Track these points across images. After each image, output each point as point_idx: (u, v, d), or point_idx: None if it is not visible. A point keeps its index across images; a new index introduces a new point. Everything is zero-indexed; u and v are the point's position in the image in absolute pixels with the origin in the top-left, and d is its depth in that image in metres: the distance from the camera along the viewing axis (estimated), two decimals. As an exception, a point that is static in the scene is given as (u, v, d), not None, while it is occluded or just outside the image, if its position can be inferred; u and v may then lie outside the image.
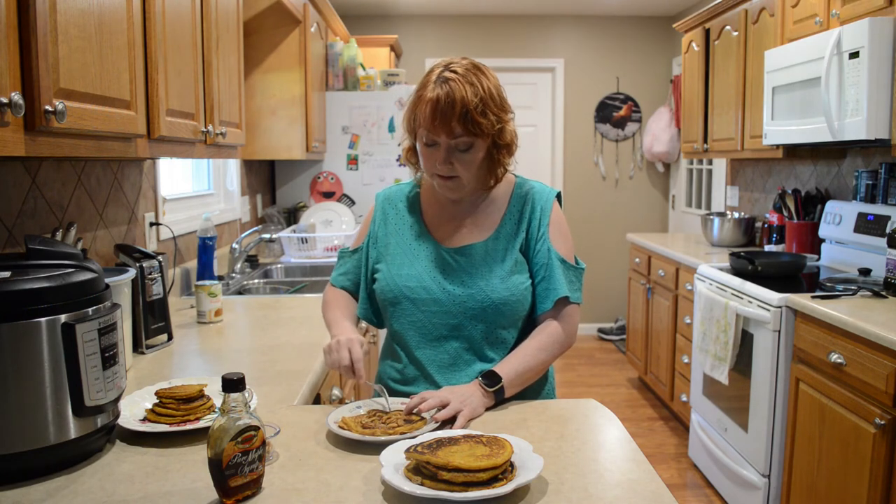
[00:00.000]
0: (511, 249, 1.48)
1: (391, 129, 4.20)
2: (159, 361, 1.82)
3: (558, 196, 1.55)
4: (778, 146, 3.28)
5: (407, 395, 1.47)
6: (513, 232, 1.50)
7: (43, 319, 1.08)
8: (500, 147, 1.45)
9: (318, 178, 4.22)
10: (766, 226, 3.73)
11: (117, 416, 1.25)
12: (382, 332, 1.66)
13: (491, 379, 1.38)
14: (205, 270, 2.50)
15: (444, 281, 1.46)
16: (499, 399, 1.39)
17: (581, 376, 4.96)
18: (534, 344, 1.45)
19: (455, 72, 1.39)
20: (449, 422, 1.29)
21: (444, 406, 1.30)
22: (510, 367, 1.41)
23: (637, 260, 4.55)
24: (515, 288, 1.45)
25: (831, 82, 2.64)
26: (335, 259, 3.43)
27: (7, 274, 1.13)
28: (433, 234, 1.53)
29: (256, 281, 3.12)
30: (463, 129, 1.38)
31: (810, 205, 3.46)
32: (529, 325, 1.52)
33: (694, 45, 4.39)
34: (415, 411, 1.32)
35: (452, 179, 1.44)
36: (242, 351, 1.93)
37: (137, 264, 1.87)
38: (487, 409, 1.38)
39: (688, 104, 4.55)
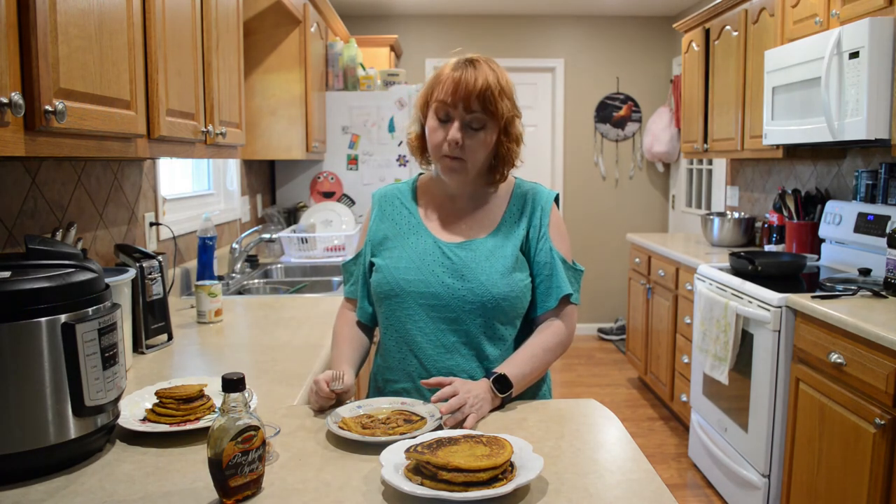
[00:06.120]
0: (512, 247, 1.48)
1: (391, 129, 4.20)
2: (159, 361, 1.82)
3: (556, 198, 1.56)
4: (778, 146, 3.28)
5: (398, 393, 1.48)
6: (513, 230, 1.50)
7: (43, 319, 1.08)
8: (510, 136, 1.46)
9: (318, 178, 4.22)
10: (766, 226, 3.73)
11: (117, 416, 1.25)
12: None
13: (502, 384, 1.37)
14: (205, 270, 2.50)
15: (442, 275, 1.45)
16: (504, 403, 1.40)
17: (581, 376, 4.96)
18: (540, 344, 1.46)
19: (477, 58, 1.44)
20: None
21: (459, 407, 1.30)
22: (519, 370, 1.41)
23: (637, 260, 4.55)
24: (515, 285, 1.45)
25: (831, 82, 2.64)
26: (335, 259, 3.46)
27: (7, 274, 1.13)
28: (431, 228, 1.52)
29: (256, 281, 3.12)
30: (481, 105, 1.40)
31: (810, 205, 3.46)
32: (526, 324, 1.52)
33: (694, 45, 4.39)
34: (432, 401, 1.33)
35: (458, 161, 1.44)
36: (242, 351, 1.93)
37: (137, 264, 1.87)
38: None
39: (688, 104, 4.55)
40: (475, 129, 1.42)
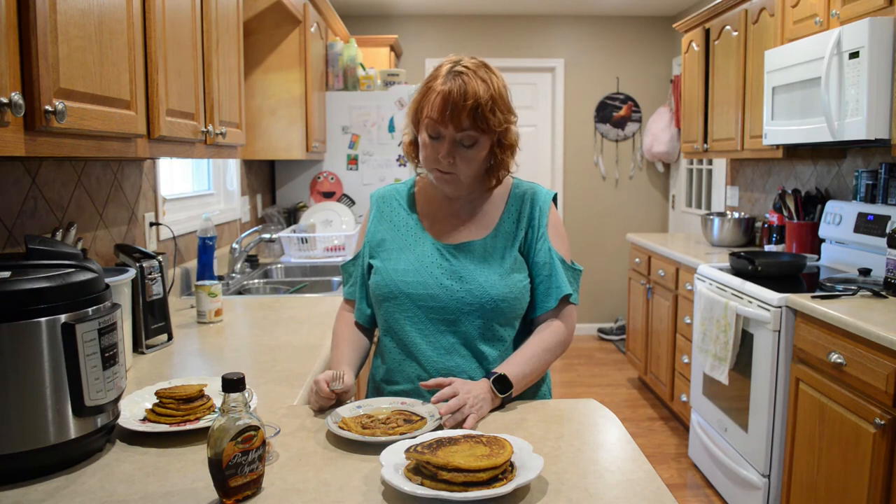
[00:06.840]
0: (510, 248, 1.48)
1: (391, 129, 4.20)
2: (159, 361, 1.82)
3: (554, 198, 1.55)
4: (778, 146, 3.28)
5: (397, 394, 1.47)
6: (512, 231, 1.50)
7: (43, 319, 1.08)
8: (503, 147, 1.46)
9: (318, 178, 4.22)
10: (766, 226, 3.73)
11: (117, 416, 1.25)
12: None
13: (502, 384, 1.37)
14: (205, 270, 2.50)
15: (441, 276, 1.45)
16: (504, 403, 1.40)
17: (581, 376, 4.96)
18: (540, 344, 1.46)
19: (467, 67, 1.40)
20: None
21: (459, 407, 1.29)
22: (519, 370, 1.41)
23: (637, 260, 4.55)
24: (514, 286, 1.45)
25: (831, 82, 2.64)
26: (335, 259, 3.46)
27: (7, 274, 1.13)
28: (429, 231, 1.52)
29: (256, 281, 3.12)
30: (471, 123, 1.38)
31: (810, 205, 3.46)
32: (525, 324, 1.52)
33: (694, 45, 4.39)
34: (432, 402, 1.33)
35: (450, 175, 1.44)
36: (242, 351, 1.93)
37: (137, 264, 1.87)
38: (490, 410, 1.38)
39: (688, 104, 4.55)
40: (467, 147, 1.41)
